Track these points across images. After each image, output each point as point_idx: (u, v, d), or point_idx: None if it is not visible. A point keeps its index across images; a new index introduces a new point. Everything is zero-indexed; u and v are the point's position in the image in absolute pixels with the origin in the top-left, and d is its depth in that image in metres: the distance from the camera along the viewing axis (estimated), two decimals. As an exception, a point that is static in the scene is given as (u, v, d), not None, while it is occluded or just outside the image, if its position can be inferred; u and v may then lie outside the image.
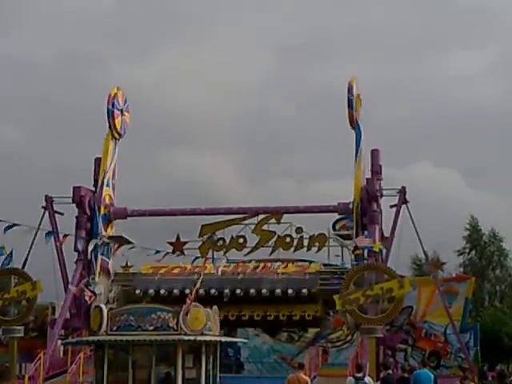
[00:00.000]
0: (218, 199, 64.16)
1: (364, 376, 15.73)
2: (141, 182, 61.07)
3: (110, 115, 32.10)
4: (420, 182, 61.55)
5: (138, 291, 30.66)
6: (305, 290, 29.68)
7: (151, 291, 30.58)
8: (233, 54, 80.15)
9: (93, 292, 28.04)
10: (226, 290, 30.06)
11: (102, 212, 31.62)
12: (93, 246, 29.83)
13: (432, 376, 16.69)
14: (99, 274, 30.40)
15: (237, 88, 77.12)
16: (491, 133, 73.03)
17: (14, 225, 23.89)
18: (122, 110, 32.86)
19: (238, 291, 30.03)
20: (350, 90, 30.72)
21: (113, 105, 32.15)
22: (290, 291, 29.73)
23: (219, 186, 69.66)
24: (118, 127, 32.55)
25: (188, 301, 19.11)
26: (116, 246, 30.57)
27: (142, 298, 30.29)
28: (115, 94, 32.44)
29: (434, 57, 78.76)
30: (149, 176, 66.13)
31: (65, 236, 29.39)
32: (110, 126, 32.27)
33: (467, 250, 49.26)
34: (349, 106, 30.71)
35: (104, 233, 31.32)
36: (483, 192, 70.38)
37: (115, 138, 32.70)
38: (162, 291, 30.41)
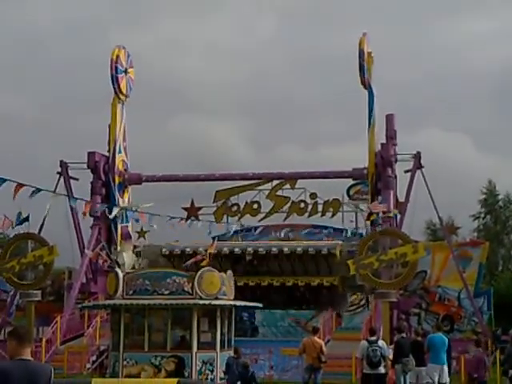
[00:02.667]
0: (225, 166, 64.08)
1: (378, 339, 15.80)
2: (144, 148, 60.98)
3: (115, 81, 31.73)
4: (430, 146, 61.21)
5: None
6: None
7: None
8: (237, 17, 79.42)
9: (109, 257, 28.28)
10: (249, 249, 30.08)
11: (117, 181, 31.74)
12: (114, 215, 29.92)
13: (446, 339, 16.77)
14: (120, 242, 30.67)
15: (241, 53, 76.39)
16: (501, 96, 72.14)
17: (39, 190, 24.03)
18: (125, 70, 32.38)
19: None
20: (360, 54, 30.26)
21: (116, 70, 31.67)
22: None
23: (224, 152, 69.42)
24: (124, 89, 32.23)
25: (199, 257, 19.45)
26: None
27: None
28: (117, 57, 31.72)
29: (445, 19, 77.61)
30: (152, 142, 65.91)
31: (87, 203, 29.51)
32: (115, 92, 32.01)
33: (482, 215, 49.08)
34: (360, 70, 30.28)
35: (121, 201, 31.54)
36: (494, 156, 69.94)
37: (122, 100, 32.44)
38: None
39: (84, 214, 27.75)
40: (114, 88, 31.85)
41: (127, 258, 29.73)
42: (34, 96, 75.39)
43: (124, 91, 32.22)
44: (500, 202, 48.73)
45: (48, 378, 5.36)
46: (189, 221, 29.78)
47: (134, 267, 29.01)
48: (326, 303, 29.31)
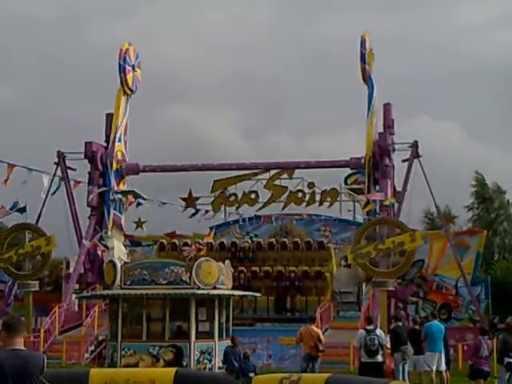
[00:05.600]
0: (219, 156, 63.72)
1: (375, 328, 15.84)
2: (136, 141, 60.48)
3: (122, 71, 31.80)
4: (421, 135, 60.90)
5: None
6: None
7: None
8: (227, 4, 78.87)
9: (105, 246, 28.28)
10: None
11: (114, 167, 31.66)
12: (100, 190, 29.97)
13: (443, 327, 16.83)
14: (111, 228, 30.61)
15: (232, 41, 75.84)
16: (494, 85, 71.81)
17: (32, 170, 24.01)
18: (133, 66, 32.54)
19: None
20: (362, 43, 30.38)
21: (124, 60, 31.84)
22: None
23: (219, 144, 69.10)
24: (130, 83, 32.31)
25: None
26: (128, 202, 30.74)
27: None
28: (126, 50, 32.00)
29: (438, 8, 77.22)
30: (144, 133, 65.60)
31: (77, 183, 29.63)
32: (121, 82, 32.04)
33: (475, 205, 49.16)
34: (361, 60, 30.39)
35: (116, 188, 31.44)
36: (485, 144, 69.89)
37: (127, 94, 32.52)
38: None
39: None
40: (120, 77, 31.83)
41: (117, 244, 29.76)
42: (24, 86, 75.00)
43: (130, 84, 32.21)
44: (490, 191, 48.70)
45: (41, 366, 5.40)
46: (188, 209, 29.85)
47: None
48: None
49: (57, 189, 28.76)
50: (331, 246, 30.46)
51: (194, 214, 30.69)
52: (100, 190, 30.24)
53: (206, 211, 31.21)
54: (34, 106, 71.99)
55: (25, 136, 64.09)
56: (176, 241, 32.12)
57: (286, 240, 31.93)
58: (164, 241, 32.49)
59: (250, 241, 32.29)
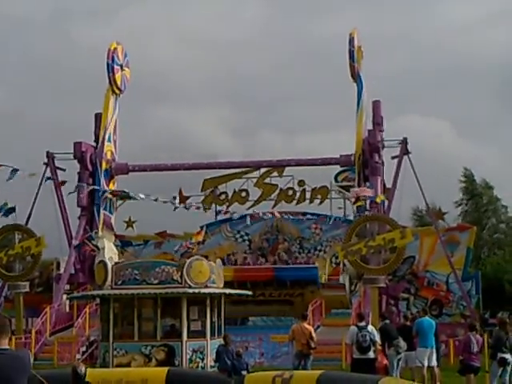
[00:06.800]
0: (210, 156, 63.45)
1: (367, 325, 15.86)
2: (127, 139, 60.32)
3: (110, 70, 31.72)
4: (412, 133, 61.00)
5: None
6: None
7: None
8: (221, 5, 78.60)
9: (96, 246, 28.21)
10: None
11: (104, 167, 31.59)
12: (89, 189, 29.94)
13: (434, 323, 16.89)
14: (102, 228, 30.55)
15: (224, 42, 75.59)
16: (486, 83, 72.00)
17: (16, 170, 23.87)
18: (121, 65, 32.48)
19: None
20: (351, 41, 30.45)
21: (112, 59, 31.76)
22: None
23: (209, 143, 68.82)
24: (119, 82, 32.25)
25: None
26: (118, 201, 30.74)
27: None
28: (115, 49, 31.93)
29: (430, 7, 77.37)
30: (134, 133, 65.35)
31: (63, 182, 29.59)
32: (109, 81, 31.96)
33: (464, 201, 49.33)
34: (350, 57, 30.46)
35: (106, 188, 31.36)
36: (476, 143, 70.05)
37: (115, 94, 32.44)
38: None
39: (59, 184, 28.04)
40: (109, 77, 31.75)
41: (107, 244, 29.62)
42: (12, 87, 74.59)
43: (118, 84, 32.14)
44: (478, 187, 48.86)
45: (28, 362, 5.45)
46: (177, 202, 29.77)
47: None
48: None
49: (42, 180, 28.62)
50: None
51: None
52: (90, 188, 30.18)
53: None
54: (22, 107, 71.62)
55: (12, 137, 63.74)
56: None
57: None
58: None
59: None
